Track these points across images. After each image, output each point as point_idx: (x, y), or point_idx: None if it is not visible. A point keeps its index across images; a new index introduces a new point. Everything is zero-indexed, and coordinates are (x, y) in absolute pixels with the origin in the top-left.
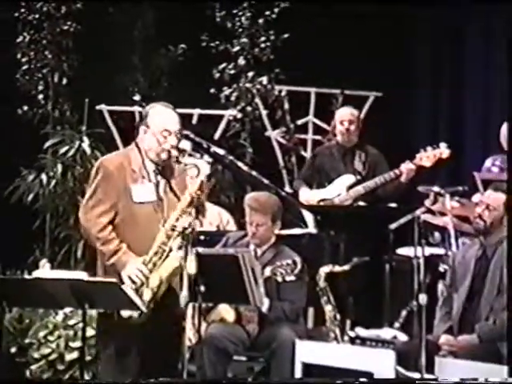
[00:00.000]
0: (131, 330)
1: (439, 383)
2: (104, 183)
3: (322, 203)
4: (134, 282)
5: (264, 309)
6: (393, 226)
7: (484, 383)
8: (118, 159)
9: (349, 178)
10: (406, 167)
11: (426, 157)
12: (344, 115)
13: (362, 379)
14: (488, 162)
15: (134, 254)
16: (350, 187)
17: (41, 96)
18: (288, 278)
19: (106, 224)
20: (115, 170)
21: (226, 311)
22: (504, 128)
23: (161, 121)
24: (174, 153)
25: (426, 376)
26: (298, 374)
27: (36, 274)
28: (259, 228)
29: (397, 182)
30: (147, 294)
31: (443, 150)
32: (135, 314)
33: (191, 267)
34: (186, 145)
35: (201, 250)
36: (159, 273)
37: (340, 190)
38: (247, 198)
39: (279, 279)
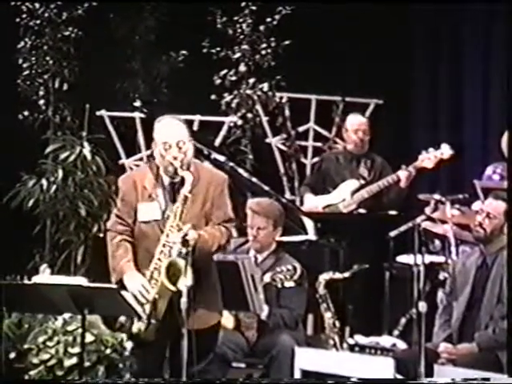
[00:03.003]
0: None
1: (433, 383)
2: (120, 203)
3: (327, 209)
4: (139, 302)
5: (263, 315)
6: (393, 233)
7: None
8: (132, 178)
9: (353, 183)
10: (405, 173)
11: (428, 158)
12: (359, 124)
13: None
14: (489, 170)
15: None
16: (354, 192)
17: (42, 101)
18: (287, 284)
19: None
20: (128, 189)
21: (225, 318)
22: (505, 136)
23: (161, 134)
24: (176, 164)
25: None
26: None
27: (36, 279)
28: (260, 232)
29: (398, 188)
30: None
31: (444, 151)
32: (142, 327)
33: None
34: None
35: None
36: (157, 288)
37: (344, 195)
38: (250, 202)
39: (278, 285)
